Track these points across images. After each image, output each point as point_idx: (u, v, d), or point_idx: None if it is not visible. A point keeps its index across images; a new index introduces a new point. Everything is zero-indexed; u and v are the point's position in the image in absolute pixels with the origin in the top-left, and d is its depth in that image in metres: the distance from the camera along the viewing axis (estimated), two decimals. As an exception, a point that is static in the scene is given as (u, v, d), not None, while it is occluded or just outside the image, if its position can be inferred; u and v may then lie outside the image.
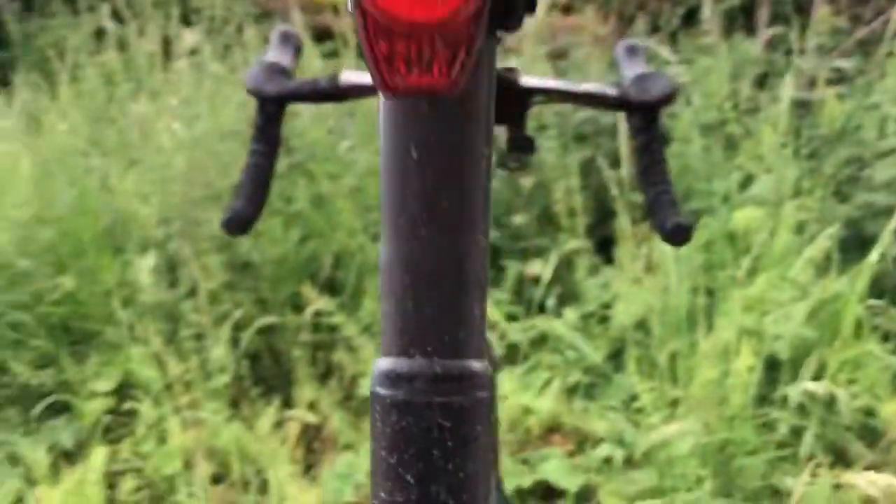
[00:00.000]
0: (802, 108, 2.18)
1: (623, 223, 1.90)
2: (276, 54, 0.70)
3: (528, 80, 0.73)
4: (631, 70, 0.73)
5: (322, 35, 2.74)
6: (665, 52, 2.27)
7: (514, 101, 0.73)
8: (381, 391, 0.36)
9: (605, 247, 2.10)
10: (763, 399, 1.58)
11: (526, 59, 2.27)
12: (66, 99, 2.57)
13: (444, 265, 0.35)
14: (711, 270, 1.77)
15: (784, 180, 1.86)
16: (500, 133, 0.77)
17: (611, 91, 0.73)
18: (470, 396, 0.36)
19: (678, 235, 0.67)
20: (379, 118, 0.33)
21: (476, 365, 0.36)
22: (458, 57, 0.29)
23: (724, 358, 1.56)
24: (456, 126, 0.33)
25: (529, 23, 2.49)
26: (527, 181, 2.09)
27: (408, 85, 0.29)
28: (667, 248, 1.73)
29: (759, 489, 1.43)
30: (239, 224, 0.62)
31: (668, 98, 0.70)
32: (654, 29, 2.77)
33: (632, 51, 0.77)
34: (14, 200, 2.09)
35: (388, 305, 0.36)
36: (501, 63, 0.75)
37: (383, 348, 0.37)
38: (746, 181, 1.95)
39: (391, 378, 0.36)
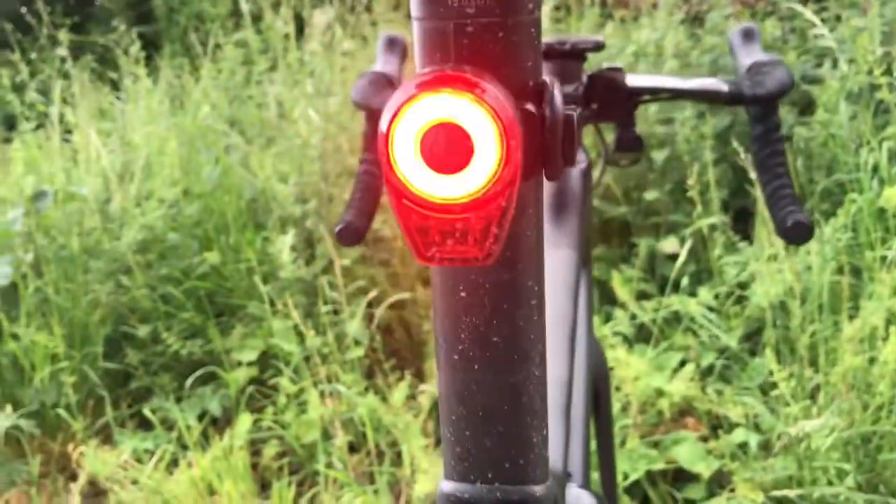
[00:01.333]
0: (964, 70, 2.02)
1: (762, 198, 1.82)
2: (381, 63, 0.71)
3: (634, 80, 0.72)
4: (746, 58, 0.71)
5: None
6: (808, 12, 2.14)
7: (620, 101, 0.72)
8: None
9: (742, 222, 2.03)
10: (913, 389, 1.50)
11: (659, 28, 2.19)
12: (207, 78, 2.68)
13: (499, 399, 0.35)
14: (858, 250, 1.69)
15: (941, 151, 1.73)
16: (610, 131, 0.76)
17: (723, 86, 0.71)
18: None
19: (798, 233, 0.65)
20: None
21: (537, 490, 0.37)
22: (490, 229, 0.29)
23: (870, 344, 1.48)
24: (503, 268, 0.33)
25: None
26: (659, 154, 2.03)
27: (443, 256, 0.29)
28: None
29: (908, 485, 1.37)
30: (351, 235, 0.64)
31: (784, 91, 0.68)
32: (798, -15, 2.61)
33: (747, 35, 0.74)
34: (163, 179, 2.21)
35: (448, 432, 0.37)
36: (607, 62, 0.74)
37: (446, 471, 0.38)
38: (899, 153, 1.83)
39: (453, 502, 0.37)
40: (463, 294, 0.34)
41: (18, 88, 2.78)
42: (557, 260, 0.61)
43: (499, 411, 0.35)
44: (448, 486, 0.37)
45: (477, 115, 0.27)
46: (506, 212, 0.28)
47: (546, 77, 0.31)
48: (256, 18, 2.86)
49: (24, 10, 3.14)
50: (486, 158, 0.27)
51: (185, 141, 2.35)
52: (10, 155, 2.45)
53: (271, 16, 2.68)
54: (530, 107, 0.30)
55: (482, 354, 0.34)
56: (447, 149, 0.27)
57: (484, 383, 0.35)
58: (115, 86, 3.08)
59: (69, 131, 2.62)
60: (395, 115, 0.27)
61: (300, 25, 2.72)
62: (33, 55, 3.17)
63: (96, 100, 2.91)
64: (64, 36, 2.81)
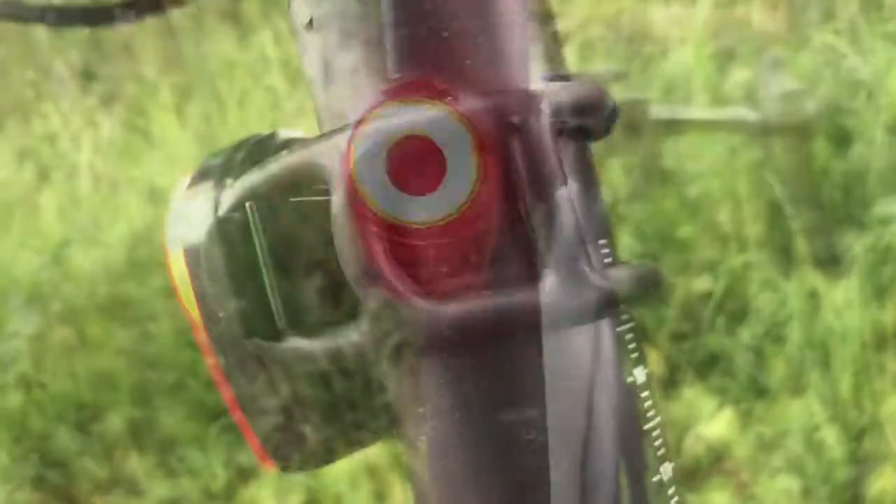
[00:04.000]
0: None
1: (799, 232, 1.77)
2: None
3: (658, 111, 0.69)
4: (774, 87, 0.68)
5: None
6: (841, 44, 2.10)
7: (643, 133, 0.69)
8: None
9: (780, 258, 1.97)
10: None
11: (688, 62, 2.17)
12: (236, 123, 2.71)
13: None
14: (901, 285, 1.63)
15: None
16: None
17: (750, 115, 0.68)
18: None
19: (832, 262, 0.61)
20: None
21: None
22: (469, 258, 0.24)
23: (918, 384, 1.42)
24: None
25: (694, 19, 2.38)
26: (692, 190, 1.99)
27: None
28: (851, 260, 1.60)
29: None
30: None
31: (811, 120, 0.65)
32: (830, 17, 2.58)
33: (775, 65, 0.72)
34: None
35: None
36: (634, 93, 0.72)
37: None
38: (940, 184, 1.78)
39: None
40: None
41: (50, 138, 2.83)
42: None
43: None
44: None
45: (450, 127, 0.23)
46: (485, 237, 0.24)
47: (536, 86, 0.28)
48: (284, 63, 2.89)
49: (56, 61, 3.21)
50: (461, 176, 0.24)
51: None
52: (39, 203, 2.47)
53: (299, 60, 2.70)
54: (514, 118, 0.26)
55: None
56: (416, 166, 0.23)
57: None
58: (145, 133, 3.12)
59: (98, 179, 2.65)
60: (356, 129, 0.23)
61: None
62: (65, 104, 3.23)
63: (126, 148, 2.94)
64: (96, 86, 2.86)
